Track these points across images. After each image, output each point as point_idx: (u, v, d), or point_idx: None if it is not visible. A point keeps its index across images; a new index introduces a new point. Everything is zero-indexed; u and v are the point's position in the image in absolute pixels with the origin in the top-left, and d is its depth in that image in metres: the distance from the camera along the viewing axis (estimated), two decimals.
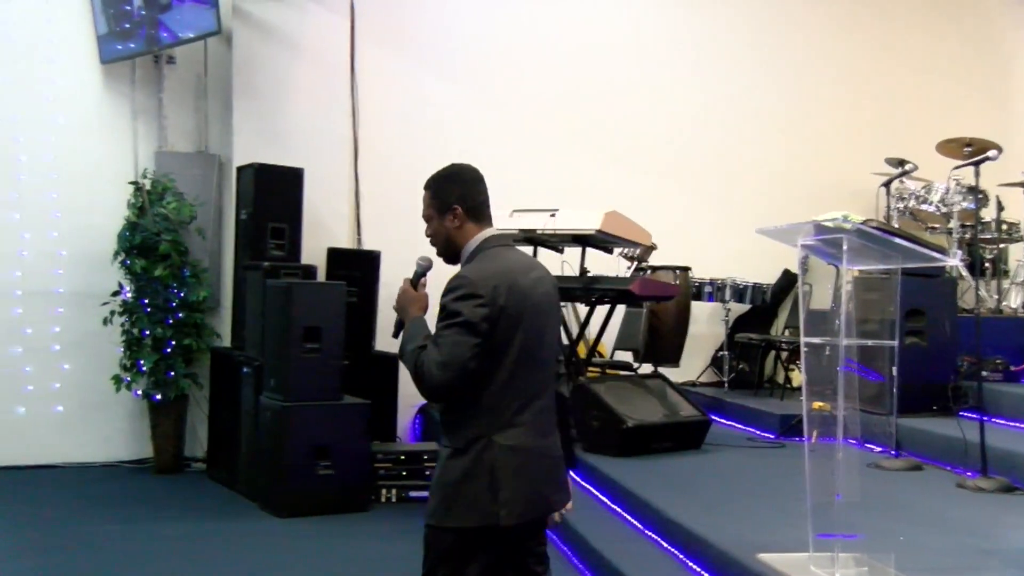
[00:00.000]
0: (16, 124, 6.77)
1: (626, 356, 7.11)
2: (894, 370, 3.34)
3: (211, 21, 6.67)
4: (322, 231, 6.86)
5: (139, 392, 6.67)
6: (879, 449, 4.97)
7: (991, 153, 4.76)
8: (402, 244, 6.94)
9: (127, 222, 6.62)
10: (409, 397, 6.86)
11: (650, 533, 4.10)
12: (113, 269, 6.63)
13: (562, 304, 6.07)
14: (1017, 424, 5.23)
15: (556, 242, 5.78)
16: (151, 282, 6.55)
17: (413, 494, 5.94)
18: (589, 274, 5.63)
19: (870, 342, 3.20)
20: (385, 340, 6.67)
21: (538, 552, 2.69)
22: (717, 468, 5.10)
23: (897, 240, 3.12)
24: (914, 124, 7.88)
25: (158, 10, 6.72)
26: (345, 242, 7.12)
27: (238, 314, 6.59)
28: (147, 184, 6.71)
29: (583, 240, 5.63)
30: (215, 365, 6.74)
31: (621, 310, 6.77)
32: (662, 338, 6.98)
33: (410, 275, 2.71)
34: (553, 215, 5.54)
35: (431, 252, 2.73)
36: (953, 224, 6.77)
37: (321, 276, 6.62)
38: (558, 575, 3.02)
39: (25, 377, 6.78)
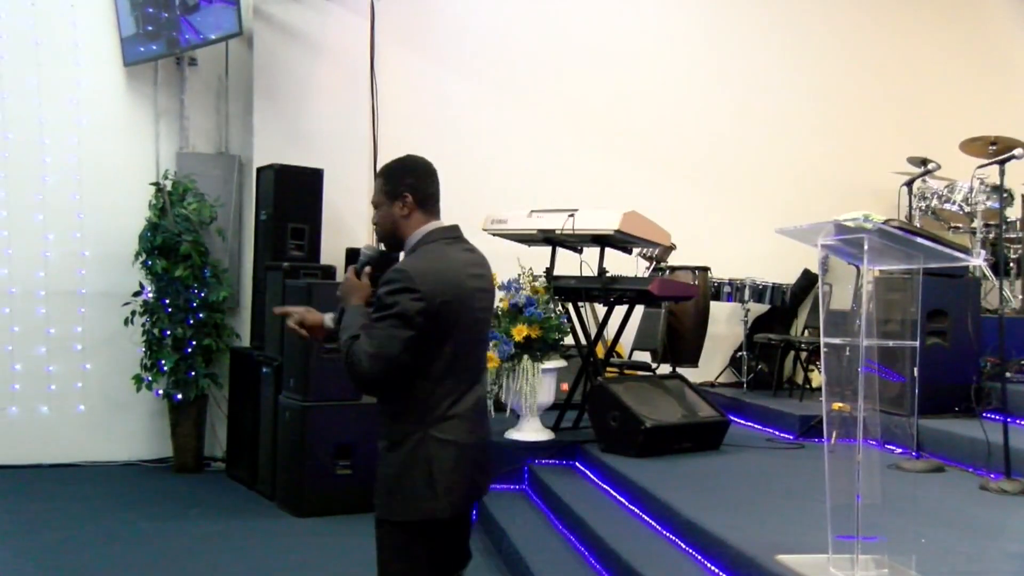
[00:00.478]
0: (42, 126, 6.85)
1: (644, 356, 7.09)
2: (915, 371, 3.31)
3: (232, 23, 6.72)
4: (342, 231, 6.89)
5: (160, 392, 6.72)
6: (900, 450, 4.93)
7: (1017, 151, 4.69)
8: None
9: (148, 223, 6.68)
10: None
11: (668, 534, 4.08)
12: (134, 270, 6.68)
13: (580, 304, 6.08)
14: None
15: (575, 242, 5.78)
16: (172, 282, 6.60)
17: None
18: (608, 274, 5.62)
19: (891, 343, 3.16)
20: None
21: (468, 532, 2.79)
22: (736, 469, 5.08)
23: (919, 240, 3.08)
24: (937, 123, 7.80)
25: (186, 11, 6.77)
26: (364, 242, 7.15)
27: (258, 314, 6.63)
28: (168, 185, 6.77)
29: (602, 240, 5.62)
30: (235, 365, 6.79)
31: (640, 310, 6.76)
32: (681, 338, 6.96)
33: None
34: (572, 215, 5.53)
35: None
36: (977, 223, 6.71)
37: (340, 276, 6.65)
38: None
39: (48, 376, 6.86)
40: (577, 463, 5.57)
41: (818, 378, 6.76)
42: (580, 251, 5.85)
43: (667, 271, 6.84)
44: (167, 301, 6.63)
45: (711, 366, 7.45)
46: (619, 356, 6.79)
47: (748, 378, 7.14)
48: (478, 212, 6.07)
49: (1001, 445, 4.37)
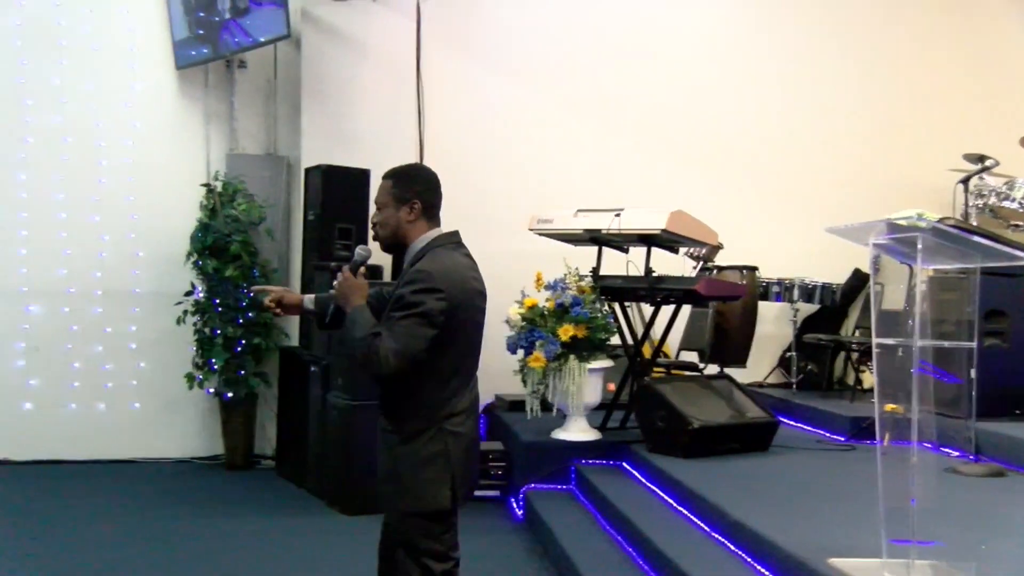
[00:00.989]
0: (98, 130, 7.02)
1: (692, 356, 7.03)
2: (972, 372, 3.23)
3: (281, 25, 6.81)
4: None
5: (211, 390, 6.84)
6: (956, 454, 4.83)
7: None
8: (467, 243, 7.00)
9: (199, 223, 6.80)
10: None
11: (717, 535, 4.05)
12: (186, 270, 6.80)
13: (627, 304, 6.05)
14: None
15: (621, 242, 5.75)
16: (222, 282, 6.71)
17: (478, 493, 5.95)
18: (654, 274, 5.58)
19: (946, 343, 3.09)
20: None
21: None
22: (785, 470, 5.01)
23: (976, 239, 3.02)
24: (995, 118, 7.61)
25: (236, 14, 6.88)
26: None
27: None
28: (218, 186, 6.89)
29: (648, 240, 5.58)
30: (284, 364, 6.87)
31: (687, 310, 6.71)
32: (728, 338, 6.88)
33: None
34: (618, 215, 5.50)
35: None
36: None
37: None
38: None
39: (105, 374, 7.03)
40: (624, 463, 5.54)
41: (870, 379, 6.64)
42: (626, 251, 5.82)
43: (714, 271, 6.78)
44: (218, 301, 6.74)
45: (759, 366, 7.36)
46: (666, 356, 6.74)
47: (797, 379, 7.04)
48: (522, 212, 6.08)
49: None
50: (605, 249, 5.85)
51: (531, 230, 5.93)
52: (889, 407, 3.05)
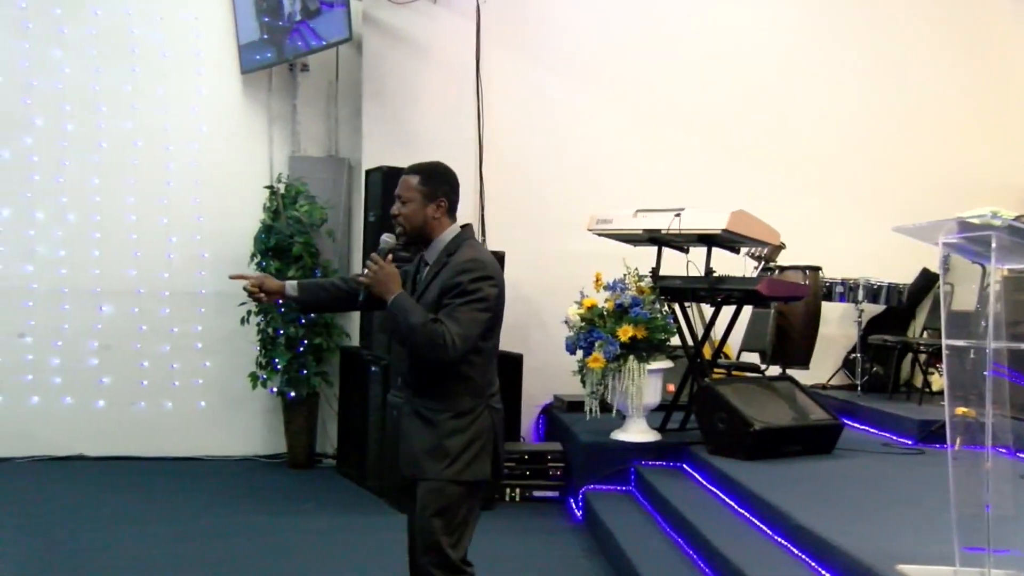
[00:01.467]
0: (167, 134, 7.21)
1: (753, 358, 6.95)
2: None
3: (343, 28, 6.90)
4: None
5: (274, 389, 6.96)
6: None
7: None
8: (526, 244, 7.05)
9: (262, 225, 6.93)
10: (532, 397, 6.91)
11: (779, 539, 3.99)
12: (249, 270, 6.93)
13: (687, 305, 5.99)
14: None
15: (681, 242, 5.70)
16: None
17: (537, 493, 5.97)
18: (715, 274, 5.52)
19: (1022, 345, 3.00)
20: (508, 341, 6.74)
21: None
22: (850, 474, 4.92)
23: None
24: None
25: (307, 15, 6.99)
26: None
27: (366, 315, 6.77)
28: (281, 188, 7.01)
29: (709, 240, 5.53)
30: (344, 364, 6.96)
31: (748, 311, 6.62)
32: (790, 339, 6.78)
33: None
34: (678, 215, 5.46)
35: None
36: None
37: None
38: None
39: (172, 373, 7.21)
40: (684, 465, 5.50)
41: (939, 381, 6.48)
42: (686, 251, 5.77)
43: (776, 271, 6.68)
44: (280, 301, 6.84)
45: (822, 368, 7.23)
46: (727, 357, 6.67)
47: (862, 380, 6.90)
48: (581, 212, 6.06)
49: None
50: (665, 249, 5.81)
51: (590, 230, 5.92)
52: (960, 410, 2.98)
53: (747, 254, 6.56)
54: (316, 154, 7.43)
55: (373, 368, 6.30)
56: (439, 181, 2.99)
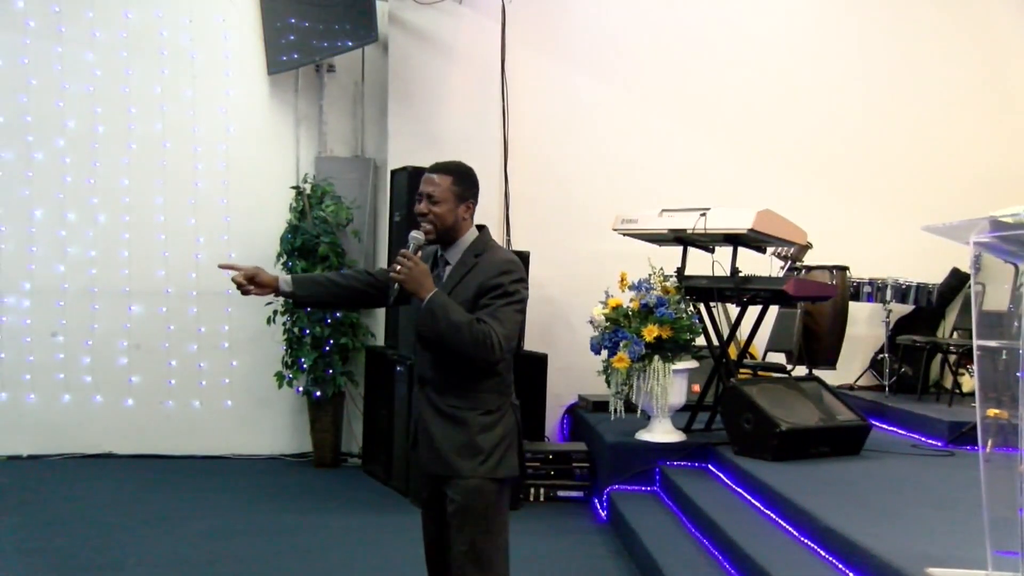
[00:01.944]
0: (195, 135, 7.27)
1: (779, 358, 6.90)
2: None
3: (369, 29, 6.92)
4: None
5: (300, 388, 7.00)
6: None
7: None
8: (551, 244, 7.05)
9: (289, 225, 6.98)
10: (557, 397, 6.91)
11: (806, 540, 3.96)
12: (276, 270, 6.97)
13: (712, 304, 5.96)
14: None
15: (707, 242, 5.68)
16: None
17: (562, 493, 5.97)
18: (741, 274, 5.50)
19: None
20: (533, 341, 6.76)
21: None
22: (879, 475, 4.87)
23: None
24: None
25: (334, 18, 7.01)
26: None
27: (392, 314, 6.80)
28: (308, 188, 7.05)
29: (734, 239, 5.50)
30: (370, 363, 6.99)
31: (774, 311, 6.58)
32: (817, 340, 6.74)
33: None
34: (704, 214, 5.44)
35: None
36: None
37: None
38: None
39: (199, 373, 7.27)
40: (710, 465, 5.47)
41: (969, 382, 6.41)
42: (712, 251, 5.75)
43: (803, 270, 6.63)
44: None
45: (850, 369, 7.17)
46: (752, 357, 6.63)
47: (890, 381, 6.83)
48: (607, 212, 6.05)
49: None
50: (691, 249, 5.79)
51: (615, 230, 5.91)
52: (992, 412, 2.94)
53: (773, 254, 6.53)
54: (342, 154, 7.47)
55: (399, 368, 6.33)
56: (470, 183, 3.03)
